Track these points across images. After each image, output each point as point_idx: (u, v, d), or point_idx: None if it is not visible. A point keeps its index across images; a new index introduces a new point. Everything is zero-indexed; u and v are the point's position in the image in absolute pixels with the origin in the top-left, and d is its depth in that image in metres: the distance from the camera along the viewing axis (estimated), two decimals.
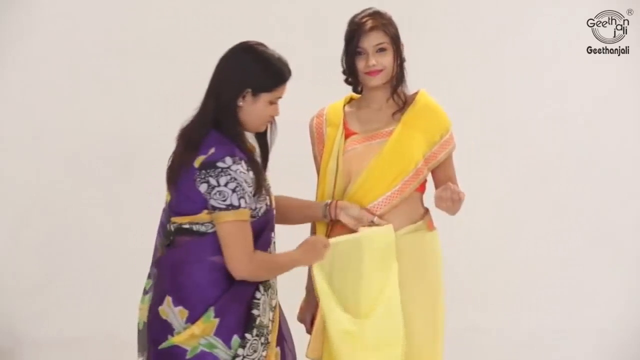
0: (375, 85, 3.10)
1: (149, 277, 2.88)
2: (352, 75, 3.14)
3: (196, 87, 4.79)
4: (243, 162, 2.71)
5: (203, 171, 2.68)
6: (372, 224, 3.05)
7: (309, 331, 3.21)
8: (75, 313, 4.97)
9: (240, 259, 2.71)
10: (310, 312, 3.20)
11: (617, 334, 4.99)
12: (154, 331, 2.77)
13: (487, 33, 5.09)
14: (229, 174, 2.67)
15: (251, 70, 2.74)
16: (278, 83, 2.77)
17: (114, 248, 4.98)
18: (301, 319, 3.24)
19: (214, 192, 2.67)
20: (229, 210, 2.68)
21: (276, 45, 2.86)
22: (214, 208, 2.69)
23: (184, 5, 5.04)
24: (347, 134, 3.15)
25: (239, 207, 2.68)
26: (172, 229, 2.79)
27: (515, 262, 5.10)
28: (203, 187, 2.68)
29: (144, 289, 2.88)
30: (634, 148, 5.10)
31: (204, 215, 2.73)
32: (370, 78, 3.08)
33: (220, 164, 2.67)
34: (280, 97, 2.80)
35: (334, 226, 3.12)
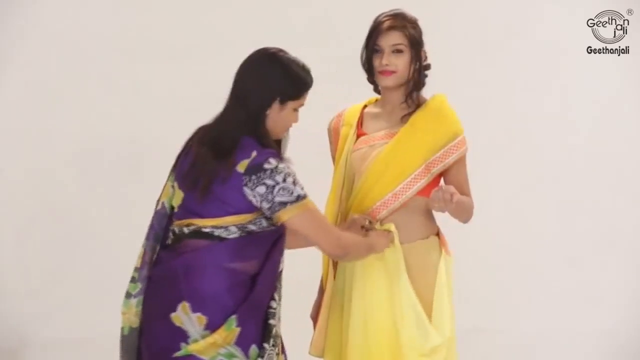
0: (386, 85, 3.10)
1: (134, 280, 2.83)
2: (370, 73, 3.14)
3: (204, 88, 4.84)
4: (284, 161, 2.76)
5: (253, 176, 2.69)
6: (369, 225, 3.03)
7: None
8: (81, 314, 4.97)
9: (330, 241, 2.79)
10: (317, 308, 3.22)
11: (621, 334, 5.01)
12: (163, 338, 2.72)
13: (487, 34, 5.11)
14: (282, 171, 2.70)
15: (279, 80, 2.76)
16: (303, 90, 2.81)
17: (120, 249, 4.95)
18: (313, 315, 3.25)
19: (276, 190, 2.69)
20: (299, 201, 2.72)
21: (279, 46, 2.87)
22: (282, 204, 2.70)
23: (191, 7, 5.06)
24: (359, 134, 3.15)
25: (305, 195, 2.73)
26: (186, 231, 2.77)
27: (518, 263, 5.11)
28: (261, 189, 2.69)
29: (128, 293, 2.83)
30: (635, 148, 5.12)
31: (230, 219, 2.72)
32: (383, 78, 3.08)
33: (267, 165, 2.69)
34: (303, 105, 2.84)
35: None
